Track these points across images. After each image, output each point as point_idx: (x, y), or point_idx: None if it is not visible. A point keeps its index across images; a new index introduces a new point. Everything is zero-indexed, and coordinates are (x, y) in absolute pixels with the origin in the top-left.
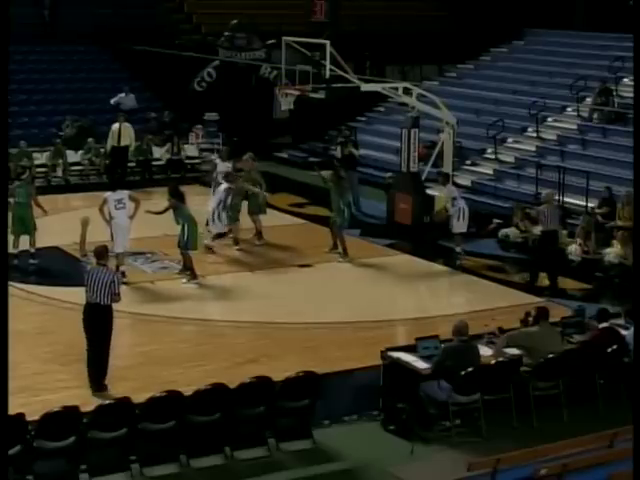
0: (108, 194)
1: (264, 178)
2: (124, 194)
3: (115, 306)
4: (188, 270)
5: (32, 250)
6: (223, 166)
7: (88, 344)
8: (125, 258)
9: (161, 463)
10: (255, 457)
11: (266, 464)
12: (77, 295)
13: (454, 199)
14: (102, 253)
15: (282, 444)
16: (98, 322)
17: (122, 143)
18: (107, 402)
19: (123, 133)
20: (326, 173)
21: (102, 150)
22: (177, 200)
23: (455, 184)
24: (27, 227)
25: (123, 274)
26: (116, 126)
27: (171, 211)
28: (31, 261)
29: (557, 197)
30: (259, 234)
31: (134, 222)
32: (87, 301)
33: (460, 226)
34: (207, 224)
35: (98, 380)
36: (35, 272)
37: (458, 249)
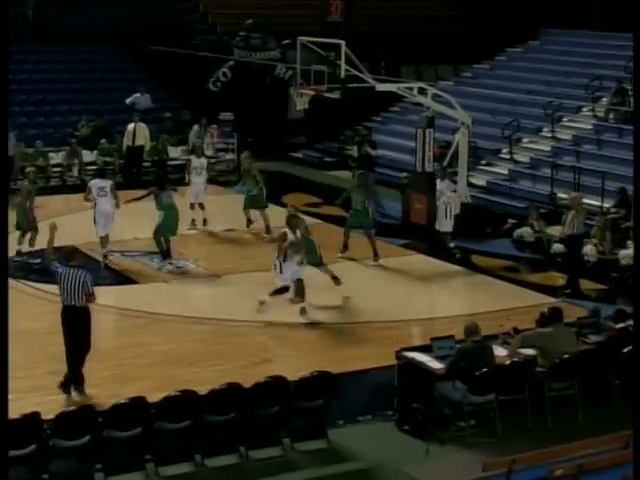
0: (92, 182)
1: (263, 175)
2: (107, 183)
3: (127, 305)
4: (168, 257)
5: (23, 250)
6: (197, 162)
7: (67, 347)
8: (109, 242)
9: (176, 462)
10: (270, 457)
11: (281, 464)
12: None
13: (453, 191)
14: (72, 254)
15: (297, 444)
16: (76, 324)
17: (137, 143)
18: (122, 401)
19: (138, 133)
20: (342, 173)
21: (113, 149)
22: (156, 188)
23: (470, 184)
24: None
25: (105, 257)
26: (131, 126)
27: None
28: (31, 261)
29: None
30: (261, 226)
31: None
32: (63, 304)
33: (447, 225)
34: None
35: (70, 382)
36: (39, 272)
37: (452, 244)
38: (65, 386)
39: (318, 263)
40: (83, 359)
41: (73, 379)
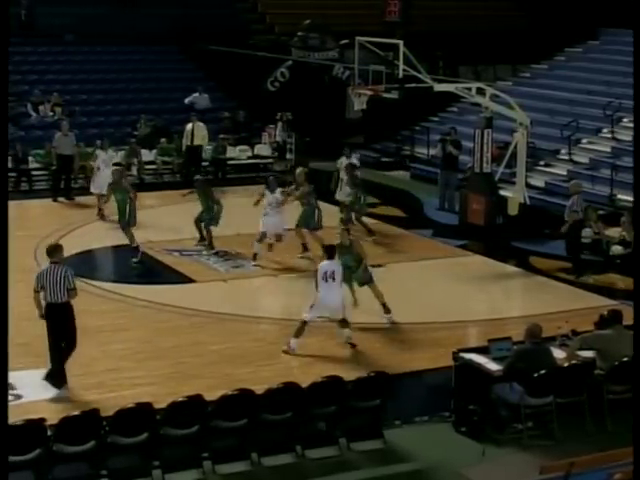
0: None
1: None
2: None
3: (185, 304)
4: (209, 244)
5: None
6: (272, 198)
7: (51, 344)
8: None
9: (233, 461)
10: (326, 456)
11: (336, 463)
12: (152, 293)
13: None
14: (54, 251)
15: (353, 444)
16: (60, 321)
17: (195, 143)
18: (180, 399)
19: (196, 133)
20: (399, 174)
21: (171, 148)
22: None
23: (528, 185)
24: None
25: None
26: (190, 126)
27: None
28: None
29: (630, 197)
30: (304, 247)
31: None
32: (46, 302)
33: (342, 194)
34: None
35: (62, 376)
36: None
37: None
38: (55, 381)
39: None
40: (67, 357)
41: (58, 377)
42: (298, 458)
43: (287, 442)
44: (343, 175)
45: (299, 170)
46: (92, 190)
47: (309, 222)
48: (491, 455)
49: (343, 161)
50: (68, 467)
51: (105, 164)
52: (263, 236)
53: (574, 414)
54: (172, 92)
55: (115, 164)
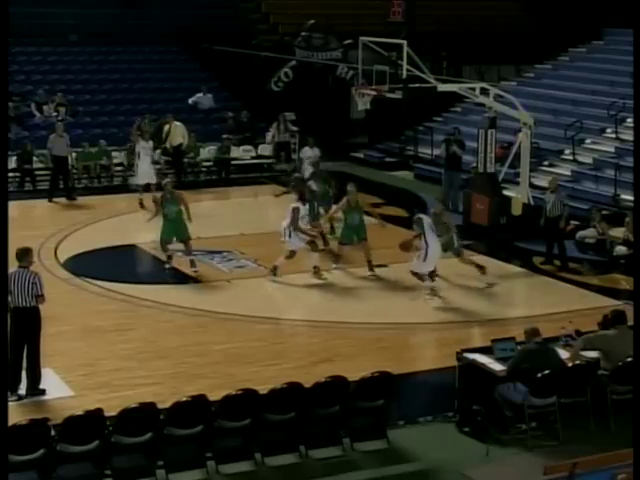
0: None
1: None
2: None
3: (189, 304)
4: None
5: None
6: (310, 152)
7: (15, 350)
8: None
9: (236, 460)
10: (329, 456)
11: (340, 463)
12: (155, 293)
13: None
14: (22, 255)
15: (356, 444)
16: (26, 326)
17: (174, 143)
18: (184, 399)
19: (174, 132)
20: (403, 174)
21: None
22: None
23: (532, 185)
24: None
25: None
26: (167, 127)
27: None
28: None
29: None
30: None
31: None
32: (13, 306)
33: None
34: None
35: (34, 384)
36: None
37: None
38: (32, 389)
39: None
40: (36, 363)
41: (32, 379)
42: (302, 458)
43: (291, 442)
44: (308, 167)
45: (351, 186)
46: (138, 182)
47: (360, 234)
48: (495, 455)
49: (306, 151)
50: (72, 467)
51: (145, 152)
52: (293, 255)
53: (578, 414)
54: (176, 92)
55: (117, 164)
